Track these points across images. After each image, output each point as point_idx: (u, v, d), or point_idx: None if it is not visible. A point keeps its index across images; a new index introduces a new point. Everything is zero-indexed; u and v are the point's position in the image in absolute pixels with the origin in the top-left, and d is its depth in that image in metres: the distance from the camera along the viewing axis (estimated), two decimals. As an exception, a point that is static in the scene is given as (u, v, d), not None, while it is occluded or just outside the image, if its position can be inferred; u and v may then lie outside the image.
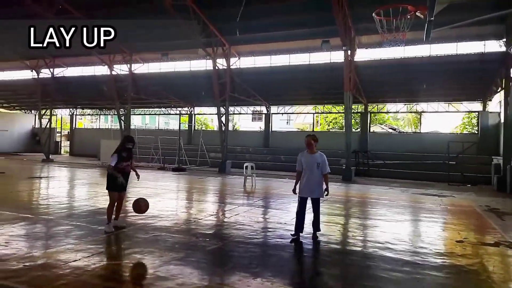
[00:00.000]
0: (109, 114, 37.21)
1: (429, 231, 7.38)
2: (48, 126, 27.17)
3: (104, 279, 4.21)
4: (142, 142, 27.26)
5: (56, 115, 36.99)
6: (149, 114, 35.80)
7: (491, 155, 19.09)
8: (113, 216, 6.53)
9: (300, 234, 6.16)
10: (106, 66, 23.06)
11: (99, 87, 25.38)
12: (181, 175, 18.44)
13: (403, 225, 8.04)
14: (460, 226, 7.88)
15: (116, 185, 6.29)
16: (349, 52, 17.15)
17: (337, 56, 19.88)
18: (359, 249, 5.84)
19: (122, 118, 24.00)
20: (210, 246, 5.69)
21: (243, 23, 17.09)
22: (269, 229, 6.96)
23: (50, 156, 26.33)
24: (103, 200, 9.69)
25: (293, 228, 6.32)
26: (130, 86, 23.32)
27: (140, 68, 24.79)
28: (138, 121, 43.06)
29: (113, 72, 23.09)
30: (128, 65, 23.39)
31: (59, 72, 27.63)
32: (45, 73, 26.79)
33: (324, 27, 17.33)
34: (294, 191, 6.35)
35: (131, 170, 6.66)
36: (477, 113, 22.75)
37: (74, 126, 35.70)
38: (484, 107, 21.83)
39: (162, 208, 8.83)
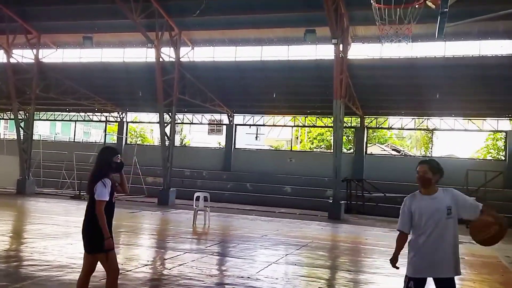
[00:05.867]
0: (3, 118, 35.92)
1: (440, 292, 7.58)
2: None
3: None
4: (50, 159, 26.52)
5: None
6: (62, 120, 34.89)
7: (522, 188, 20.06)
8: None
9: None
10: (2, 51, 22.40)
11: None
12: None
13: (407, 282, 8.23)
14: (481, 283, 8.18)
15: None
16: (340, 46, 17.65)
17: (325, 51, 20.44)
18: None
19: (22, 124, 23.26)
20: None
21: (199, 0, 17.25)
22: (227, 286, 6.92)
23: None
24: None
25: (261, 284, 6.15)
26: (35, 79, 22.74)
27: (52, 56, 24.35)
28: (45, 129, 41.89)
29: (12, 60, 22.46)
30: (35, 50, 22.86)
31: None
32: None
33: (308, 12, 17.83)
34: (394, 263, 4.69)
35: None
36: (504, 133, 23.91)
37: (-50, 133, 34.18)
38: (514, 125, 23.03)
39: (74, 255, 8.53)
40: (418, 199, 4.62)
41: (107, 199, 4.73)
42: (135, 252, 9.73)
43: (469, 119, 24.27)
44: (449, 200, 4.46)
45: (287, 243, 11.85)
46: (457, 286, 8.32)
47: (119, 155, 4.99)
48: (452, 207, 4.40)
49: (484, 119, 24.29)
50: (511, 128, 23.18)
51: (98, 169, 4.88)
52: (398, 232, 4.76)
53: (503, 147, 25.97)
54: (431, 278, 4.53)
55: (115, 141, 30.07)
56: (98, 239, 4.79)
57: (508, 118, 23.35)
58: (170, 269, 7.92)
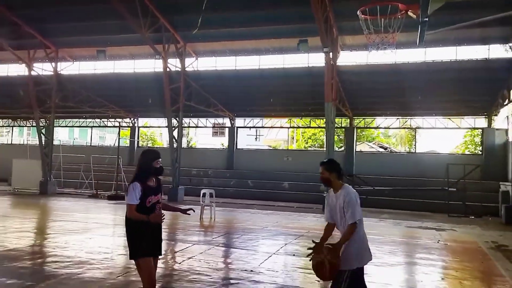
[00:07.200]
0: (26, 126, 35.91)
1: (425, 280, 7.50)
2: None
3: None
4: (69, 162, 26.50)
5: (-45, 125, 35.33)
6: (79, 127, 34.89)
7: (498, 180, 19.98)
8: None
9: None
10: (24, 65, 22.36)
11: (14, 91, 24.59)
12: (119, 205, 17.96)
13: (395, 271, 8.17)
14: (462, 272, 8.10)
15: (149, 243, 4.39)
16: (331, 54, 17.58)
17: (317, 59, 20.41)
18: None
19: (43, 131, 23.24)
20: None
21: (203, 15, 17.19)
22: (232, 281, 6.83)
23: None
24: (13, 239, 9.25)
25: (263, 278, 6.04)
26: (54, 90, 22.72)
27: (69, 68, 24.33)
28: (65, 135, 41.85)
29: (33, 73, 22.42)
30: (53, 63, 22.84)
31: (-40, 70, 26.55)
32: None
33: (301, 24, 17.75)
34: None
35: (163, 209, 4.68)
36: (481, 130, 23.85)
37: (-22, 140, 34.18)
38: (490, 123, 22.95)
39: (93, 250, 8.53)
40: (330, 197, 4.54)
41: (136, 203, 4.29)
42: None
43: (449, 118, 24.23)
44: (342, 201, 4.29)
45: (286, 233, 11.82)
46: (440, 274, 8.32)
47: (159, 159, 4.54)
48: (344, 209, 4.24)
49: (462, 118, 24.26)
50: (487, 125, 23.08)
51: (136, 172, 4.48)
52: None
53: (479, 143, 25.95)
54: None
55: (128, 145, 30.06)
56: (130, 246, 4.37)
57: (484, 116, 23.27)
58: (180, 263, 7.84)
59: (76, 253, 8.20)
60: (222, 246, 9.90)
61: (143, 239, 4.33)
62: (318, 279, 4.42)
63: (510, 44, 17.64)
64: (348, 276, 4.17)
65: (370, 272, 7.78)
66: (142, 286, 4.47)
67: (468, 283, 7.27)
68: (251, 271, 7.33)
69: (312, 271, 4.37)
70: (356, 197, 4.29)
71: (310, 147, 37.90)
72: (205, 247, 9.46)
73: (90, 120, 31.58)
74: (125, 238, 4.49)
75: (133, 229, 4.35)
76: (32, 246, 8.96)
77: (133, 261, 4.54)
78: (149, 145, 35.61)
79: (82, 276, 6.60)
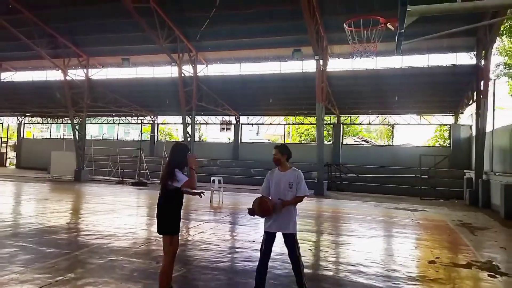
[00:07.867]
0: (62, 123, 36.03)
1: (401, 249, 7.57)
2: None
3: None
4: (99, 153, 26.58)
5: (2, 123, 35.37)
6: (107, 123, 34.94)
7: (463, 168, 19.98)
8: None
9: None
10: (60, 71, 22.37)
11: (52, 94, 24.64)
12: (142, 190, 18.05)
13: (376, 242, 8.22)
14: (433, 242, 8.16)
15: (179, 222, 4.49)
16: (321, 61, 17.57)
17: (309, 66, 20.38)
18: (331, 273, 5.81)
19: (77, 127, 23.30)
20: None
21: (211, 28, 17.19)
22: (237, 249, 6.91)
23: (-7, 169, 25.08)
24: (52, 218, 9.32)
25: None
26: (86, 92, 22.75)
27: (98, 74, 24.33)
28: (95, 130, 41.93)
29: (68, 78, 22.43)
30: (85, 70, 22.84)
31: (7, 76, 26.57)
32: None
33: (296, 35, 17.74)
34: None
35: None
36: (449, 126, 23.82)
37: (22, 135, 34.23)
38: (456, 119, 22.92)
39: (120, 226, 8.60)
40: (275, 174, 4.77)
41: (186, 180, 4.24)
42: (166, 224, 9.73)
43: (421, 115, 24.18)
44: (293, 178, 4.64)
45: (283, 214, 11.81)
46: (414, 244, 8.37)
47: (189, 152, 4.44)
48: (293, 184, 4.60)
49: (433, 115, 24.18)
50: (454, 121, 23.05)
51: (174, 162, 4.32)
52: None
53: (448, 137, 25.89)
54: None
55: (149, 139, 30.11)
56: (167, 223, 4.34)
57: (452, 114, 23.22)
58: (193, 235, 7.91)
59: (105, 229, 8.27)
60: (229, 224, 9.96)
61: (179, 218, 4.44)
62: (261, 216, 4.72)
63: (474, 52, 17.60)
64: (296, 238, 4.66)
65: (355, 243, 7.86)
66: (163, 255, 4.47)
67: (437, 251, 7.31)
68: (253, 241, 7.40)
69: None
70: None
71: (303, 141, 37.91)
72: (214, 224, 9.51)
73: (116, 118, 31.59)
74: (153, 216, 4.49)
75: (178, 208, 4.41)
76: (68, 223, 8.99)
77: (154, 234, 4.57)
78: (166, 139, 35.63)
79: (111, 246, 6.68)
